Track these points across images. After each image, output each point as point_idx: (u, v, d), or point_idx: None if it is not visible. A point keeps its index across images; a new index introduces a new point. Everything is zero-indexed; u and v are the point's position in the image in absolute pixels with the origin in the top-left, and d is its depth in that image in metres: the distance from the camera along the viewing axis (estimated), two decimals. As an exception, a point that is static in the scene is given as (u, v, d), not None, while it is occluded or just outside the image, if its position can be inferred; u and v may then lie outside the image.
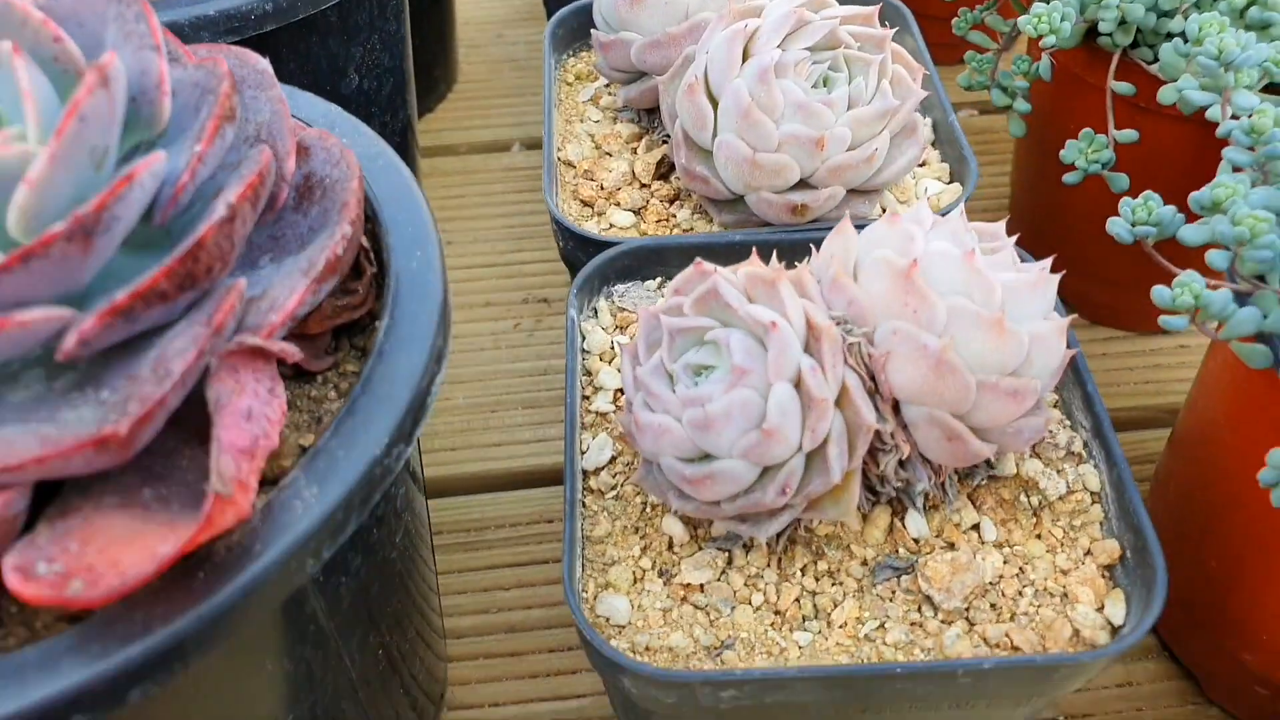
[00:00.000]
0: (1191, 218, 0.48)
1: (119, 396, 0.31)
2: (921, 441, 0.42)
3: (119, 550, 0.30)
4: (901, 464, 0.42)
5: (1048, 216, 0.70)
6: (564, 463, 0.46)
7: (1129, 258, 0.58)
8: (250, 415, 0.32)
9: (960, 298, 0.40)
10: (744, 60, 0.51)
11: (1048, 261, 0.43)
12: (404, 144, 0.70)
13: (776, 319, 0.39)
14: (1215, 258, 0.44)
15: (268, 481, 0.34)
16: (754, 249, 0.44)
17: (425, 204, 0.42)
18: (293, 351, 0.33)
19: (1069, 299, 0.65)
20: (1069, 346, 0.43)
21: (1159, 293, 0.43)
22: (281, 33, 0.50)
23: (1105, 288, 0.70)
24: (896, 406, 0.42)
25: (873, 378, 0.41)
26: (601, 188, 0.58)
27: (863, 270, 0.42)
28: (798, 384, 0.39)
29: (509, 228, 0.84)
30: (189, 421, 0.35)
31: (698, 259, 0.43)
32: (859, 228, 0.44)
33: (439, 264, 0.40)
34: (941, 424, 0.41)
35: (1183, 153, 0.61)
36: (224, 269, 0.33)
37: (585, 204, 0.58)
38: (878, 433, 0.41)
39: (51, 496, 0.32)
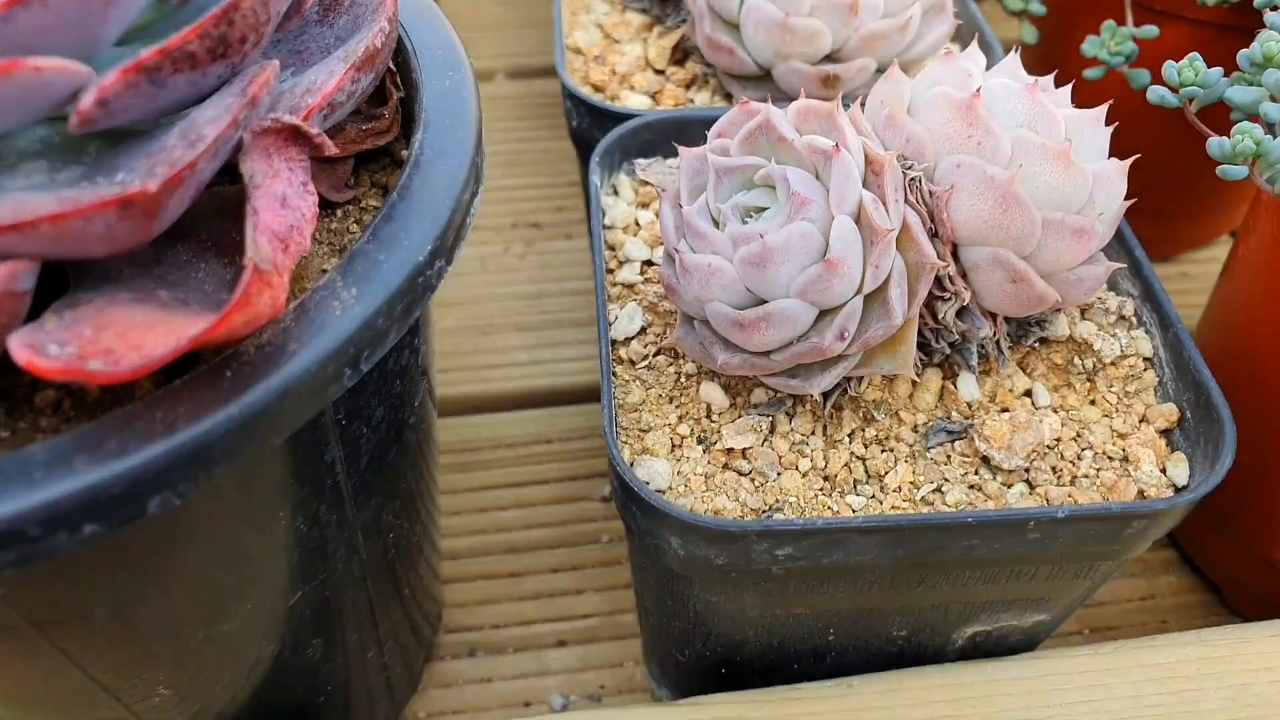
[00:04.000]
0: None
1: (140, 173, 0.28)
2: (981, 287, 0.39)
3: (139, 335, 0.27)
4: (960, 314, 0.40)
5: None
6: (596, 329, 0.43)
7: (1137, 184, 0.57)
8: (285, 201, 0.29)
9: (1025, 130, 0.38)
10: (773, -77, 0.49)
11: (1104, 107, 0.41)
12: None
13: (838, 144, 0.37)
14: (1270, 109, 0.43)
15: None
16: (802, 91, 0.42)
17: (452, 28, 0.39)
18: (328, 142, 0.30)
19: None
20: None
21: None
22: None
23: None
24: (955, 252, 0.39)
25: (932, 218, 0.39)
26: (614, 72, 0.55)
27: (919, 108, 0.40)
28: (858, 218, 0.37)
29: (495, 154, 0.81)
30: (206, 234, 0.32)
31: (743, 99, 0.40)
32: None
33: (473, 86, 0.37)
34: (1005, 264, 0.38)
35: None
36: (256, 45, 0.30)
37: (597, 89, 0.55)
38: (937, 279, 0.39)
39: (56, 295, 0.29)
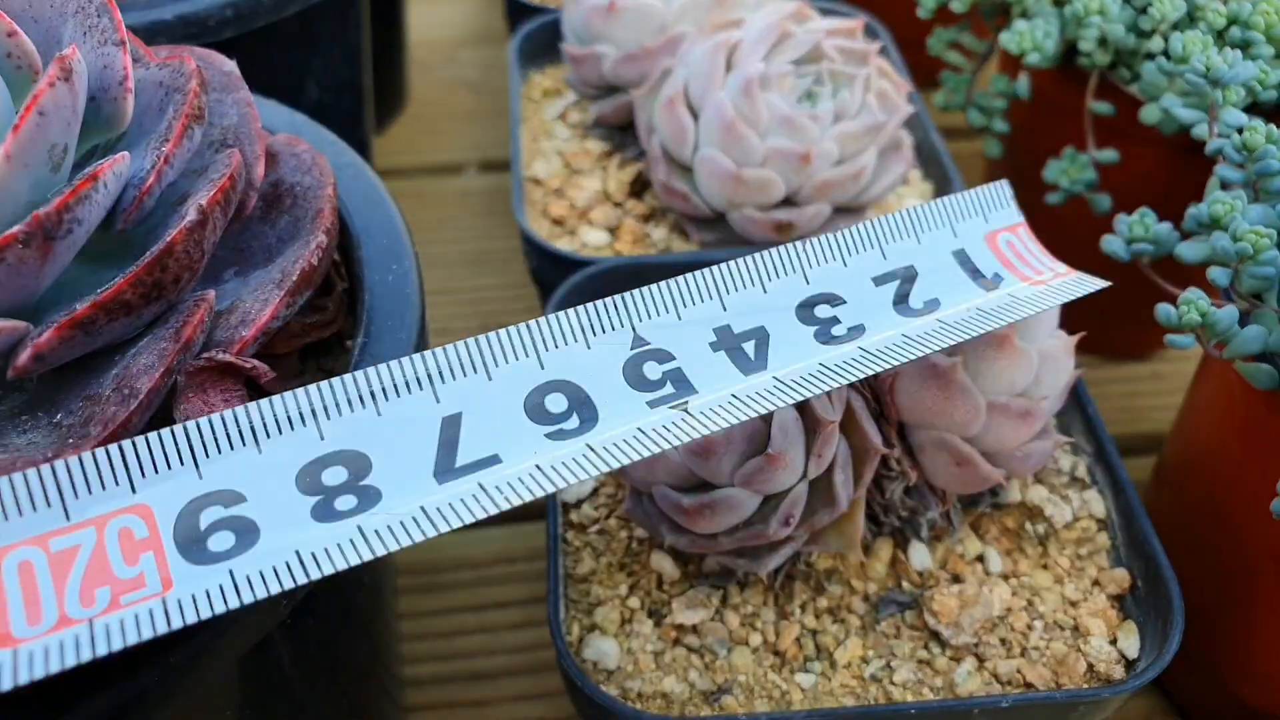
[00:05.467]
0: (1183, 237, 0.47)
1: (77, 419, 0.28)
2: (929, 467, 0.40)
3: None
4: (907, 491, 0.40)
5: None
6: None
7: (1116, 285, 0.58)
8: (220, 441, 0.29)
9: (969, 315, 0.38)
10: (727, 73, 0.49)
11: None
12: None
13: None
14: (1217, 274, 0.43)
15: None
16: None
17: (400, 215, 0.39)
18: (265, 370, 0.30)
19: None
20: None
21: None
22: (240, 41, 0.47)
23: (1078, 314, 0.69)
24: (901, 431, 0.40)
25: (878, 400, 0.39)
26: (573, 206, 0.55)
27: (865, 287, 0.40)
28: (800, 406, 0.37)
29: (464, 253, 0.80)
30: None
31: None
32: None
33: (416, 279, 0.37)
34: (950, 448, 0.39)
35: (1159, 176, 0.60)
36: (191, 280, 0.30)
37: (556, 222, 0.55)
38: (884, 459, 0.39)
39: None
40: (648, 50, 0.53)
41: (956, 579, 0.42)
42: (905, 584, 0.42)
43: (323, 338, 0.37)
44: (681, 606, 0.41)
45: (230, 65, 0.37)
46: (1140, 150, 0.59)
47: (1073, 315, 0.67)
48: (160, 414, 0.29)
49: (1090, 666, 0.39)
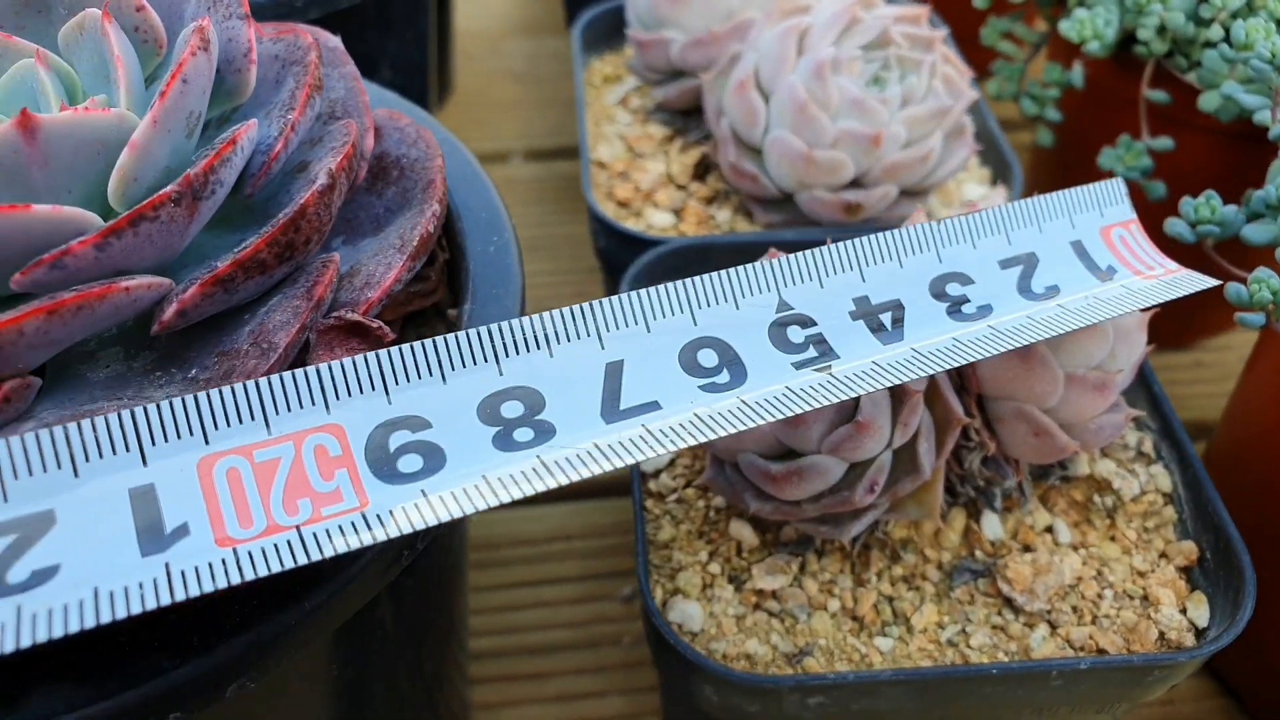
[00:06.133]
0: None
1: (214, 374, 0.29)
2: (1006, 438, 0.41)
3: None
4: (985, 461, 0.41)
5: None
6: (629, 485, 0.44)
7: None
8: (348, 397, 0.30)
9: (1049, 290, 0.39)
10: (798, 57, 0.50)
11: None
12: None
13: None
14: (1285, 256, 0.44)
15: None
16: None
17: (495, 189, 0.40)
18: (388, 330, 0.31)
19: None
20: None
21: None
22: (323, 22, 0.48)
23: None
24: (981, 402, 0.41)
25: (959, 372, 0.40)
26: (638, 188, 0.56)
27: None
28: (887, 377, 0.38)
29: (514, 239, 0.82)
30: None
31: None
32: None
33: (516, 250, 0.38)
34: (1029, 419, 0.40)
35: (1213, 163, 0.61)
36: (319, 242, 0.31)
37: (622, 205, 0.56)
38: (963, 429, 0.40)
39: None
40: (715, 35, 0.55)
41: (1027, 549, 0.43)
42: (978, 553, 0.43)
43: (425, 306, 0.38)
44: (761, 573, 0.42)
45: (335, 41, 0.38)
46: (1193, 137, 0.60)
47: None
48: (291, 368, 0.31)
49: (1161, 634, 0.40)
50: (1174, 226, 0.48)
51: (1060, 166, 0.70)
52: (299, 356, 0.30)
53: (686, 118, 0.60)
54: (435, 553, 0.40)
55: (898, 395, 0.38)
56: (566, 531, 0.65)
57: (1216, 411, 0.71)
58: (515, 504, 0.67)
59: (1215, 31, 0.55)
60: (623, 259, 0.53)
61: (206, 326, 0.31)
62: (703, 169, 0.57)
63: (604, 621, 0.62)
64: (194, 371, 0.30)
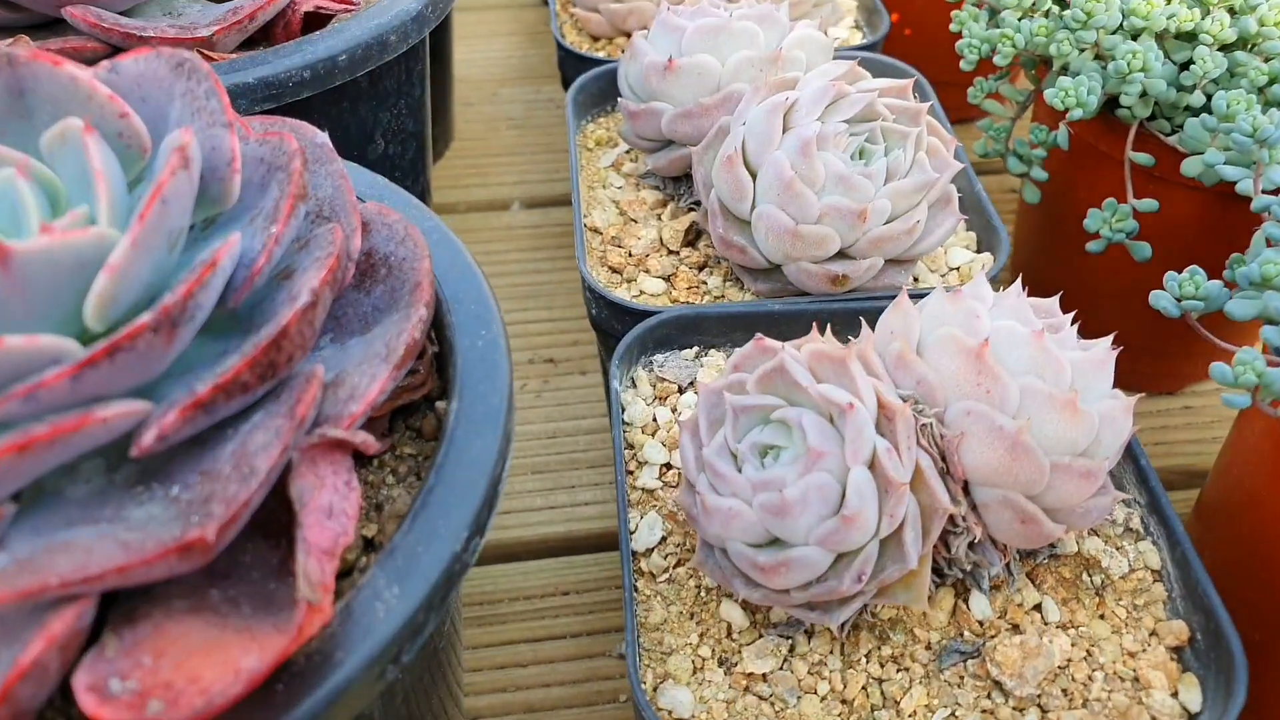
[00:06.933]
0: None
1: (195, 495, 0.29)
2: (992, 523, 0.41)
3: (197, 664, 0.28)
4: (971, 546, 0.41)
5: (1056, 283, 0.70)
6: (619, 543, 0.44)
7: (1139, 323, 0.59)
8: (331, 512, 0.30)
9: (1032, 378, 0.40)
10: (784, 132, 0.50)
11: (1108, 339, 0.43)
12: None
13: (853, 400, 0.38)
14: (1270, 334, 0.44)
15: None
16: (814, 323, 0.44)
17: (485, 280, 0.40)
18: (373, 442, 0.32)
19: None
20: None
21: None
22: (315, 99, 0.49)
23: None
24: (966, 487, 0.41)
25: (944, 458, 0.40)
26: (630, 254, 0.57)
27: (928, 348, 0.41)
28: (872, 466, 0.38)
29: (512, 286, 0.82)
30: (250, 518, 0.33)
31: (758, 335, 0.42)
32: (913, 298, 0.43)
33: (504, 343, 0.38)
34: (1015, 506, 0.40)
35: (1197, 222, 0.61)
36: (303, 356, 0.31)
37: (614, 270, 0.57)
38: (950, 515, 0.40)
39: (114, 597, 0.30)
40: (704, 107, 0.55)
41: (1016, 628, 0.43)
42: (966, 633, 0.43)
43: (413, 399, 0.38)
44: (751, 655, 0.42)
45: (323, 137, 0.39)
46: (1179, 194, 0.60)
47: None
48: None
49: (1153, 719, 0.41)
50: (1159, 300, 0.48)
51: (1047, 221, 0.70)
52: (281, 476, 0.30)
53: (677, 183, 0.60)
54: (429, 641, 0.40)
55: (883, 486, 0.38)
56: (562, 587, 0.66)
57: (1206, 458, 0.71)
58: (513, 558, 0.67)
59: (1197, 98, 0.56)
60: (615, 326, 0.53)
61: (190, 441, 0.31)
62: (693, 235, 0.58)
63: (600, 679, 0.62)
64: (176, 490, 0.30)
